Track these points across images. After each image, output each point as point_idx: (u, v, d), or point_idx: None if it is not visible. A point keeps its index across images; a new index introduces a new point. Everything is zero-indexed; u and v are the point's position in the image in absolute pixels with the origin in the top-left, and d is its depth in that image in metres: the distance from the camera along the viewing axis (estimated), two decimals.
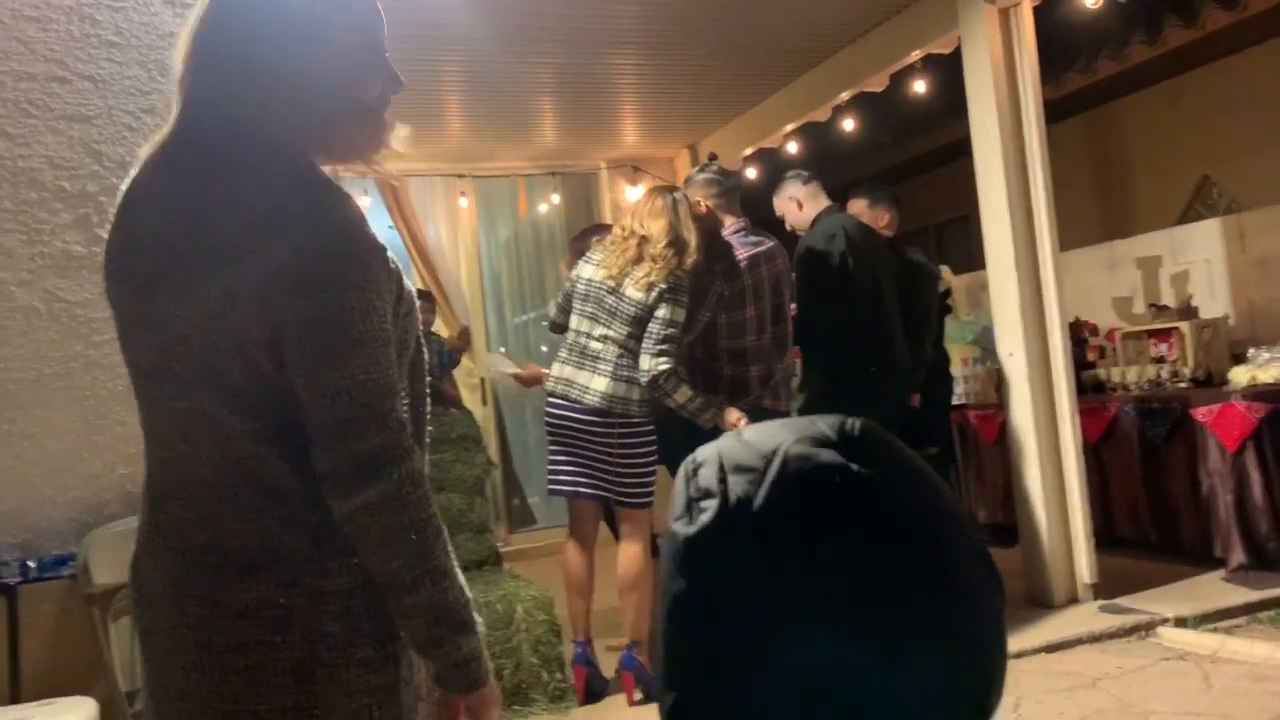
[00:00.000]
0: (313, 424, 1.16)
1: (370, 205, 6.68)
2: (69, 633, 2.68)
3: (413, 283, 4.87)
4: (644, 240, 3.52)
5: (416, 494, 1.18)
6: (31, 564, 2.69)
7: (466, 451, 4.39)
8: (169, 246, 1.19)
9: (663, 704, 0.61)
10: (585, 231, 4.55)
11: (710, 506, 0.60)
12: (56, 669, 2.64)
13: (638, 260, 3.54)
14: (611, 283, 3.56)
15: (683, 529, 0.61)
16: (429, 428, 1.39)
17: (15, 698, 2.57)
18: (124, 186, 1.27)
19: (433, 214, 6.96)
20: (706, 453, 0.64)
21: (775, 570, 0.58)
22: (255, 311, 1.14)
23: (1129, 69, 6.70)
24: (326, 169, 1.27)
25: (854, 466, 0.59)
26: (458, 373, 6.48)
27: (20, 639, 2.62)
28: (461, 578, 1.23)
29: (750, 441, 0.62)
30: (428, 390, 1.39)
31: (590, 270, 3.65)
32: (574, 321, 3.67)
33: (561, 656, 3.74)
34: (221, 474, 1.21)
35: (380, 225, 7.00)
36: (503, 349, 4.47)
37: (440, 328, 6.51)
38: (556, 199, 7.16)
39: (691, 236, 3.56)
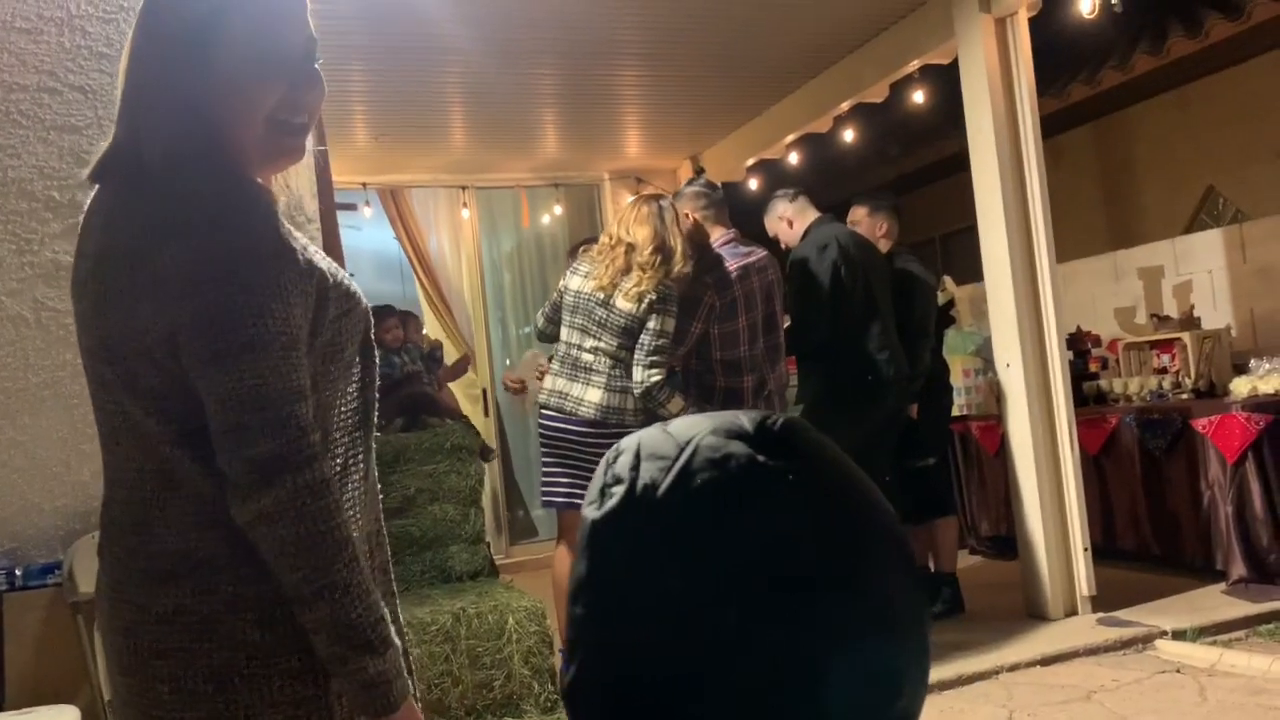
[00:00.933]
0: (211, 428, 1.15)
1: (372, 215, 6.72)
2: (54, 641, 2.68)
3: (414, 292, 4.85)
4: (630, 248, 3.52)
5: (316, 504, 1.13)
6: (18, 572, 2.70)
7: (461, 462, 4.39)
8: (92, 255, 1.22)
9: (562, 679, 0.63)
10: (586, 243, 4.55)
11: (618, 492, 0.61)
12: (41, 677, 2.64)
13: (626, 270, 3.53)
14: (601, 294, 3.55)
15: (592, 513, 0.62)
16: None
17: None
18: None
19: (435, 225, 6.99)
20: (628, 441, 0.65)
21: (674, 556, 0.58)
22: (153, 314, 1.15)
23: (1133, 79, 6.67)
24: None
25: (761, 458, 0.60)
26: (459, 383, 6.48)
27: (5, 647, 2.63)
28: (374, 595, 1.18)
29: (672, 432, 0.63)
30: (377, 398, 1.38)
31: (578, 281, 3.64)
32: (564, 333, 3.67)
33: (553, 668, 3.73)
34: (145, 477, 1.21)
35: (383, 236, 7.04)
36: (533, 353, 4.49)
37: (447, 346, 6.51)
38: (559, 210, 7.17)
39: (678, 244, 3.55)
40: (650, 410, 3.53)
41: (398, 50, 4.58)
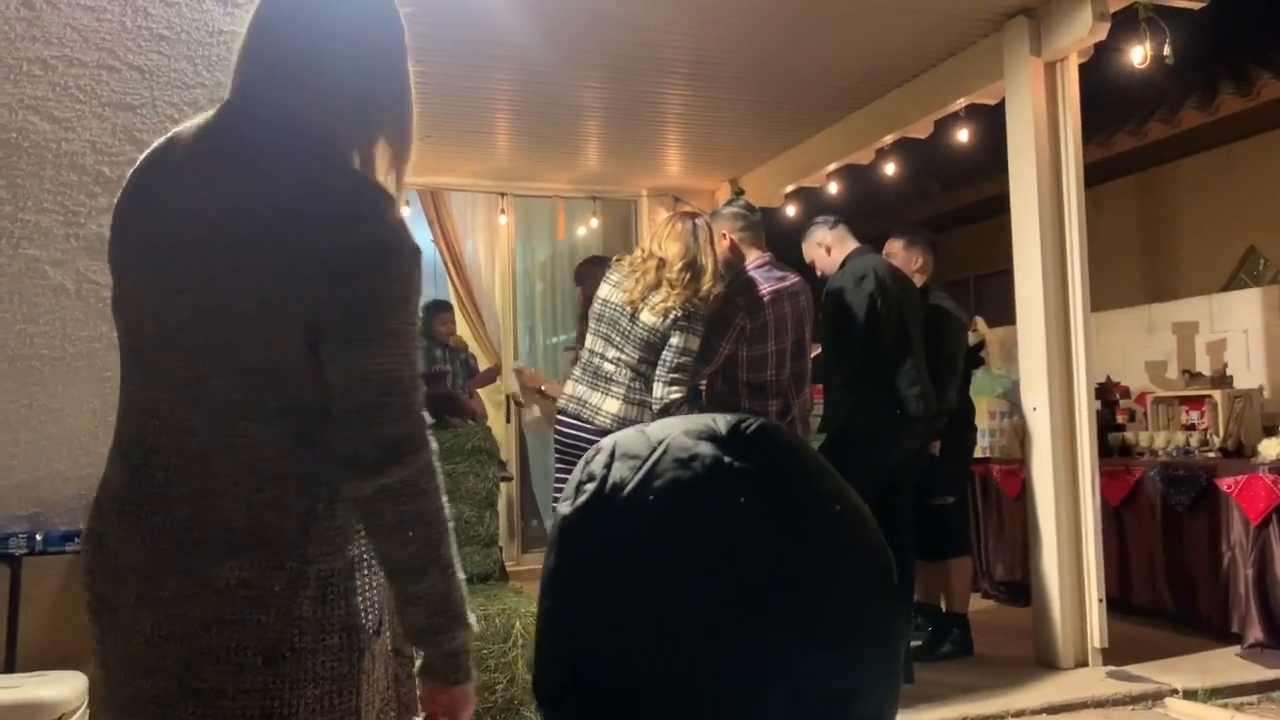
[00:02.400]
0: (342, 407, 1.21)
1: (411, 215, 6.78)
2: (68, 608, 2.71)
3: (446, 294, 4.91)
4: (661, 263, 3.53)
5: (431, 484, 1.23)
6: (38, 537, 2.73)
7: (480, 464, 4.40)
8: (203, 221, 1.23)
9: (534, 673, 0.64)
10: (592, 261, 4.57)
11: (590, 489, 0.63)
12: (53, 643, 2.66)
13: (655, 285, 3.54)
14: (629, 306, 3.56)
15: (564, 509, 0.64)
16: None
17: (10, 667, 2.61)
18: (146, 156, 1.33)
19: (472, 229, 7.04)
20: (606, 440, 0.66)
21: (634, 555, 0.59)
22: (297, 294, 1.19)
23: (1180, 133, 6.65)
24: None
25: (727, 459, 0.60)
26: (486, 389, 6.52)
27: (20, 610, 2.66)
28: (461, 574, 1.29)
29: (647, 432, 0.65)
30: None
31: (608, 290, 3.65)
32: (589, 341, 3.68)
33: None
34: (214, 448, 1.23)
35: (420, 236, 7.10)
36: (517, 363, 4.51)
37: (474, 348, 6.55)
38: (595, 223, 7.21)
39: (709, 263, 3.56)
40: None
41: (449, 53, 4.63)
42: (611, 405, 3.51)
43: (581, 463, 0.65)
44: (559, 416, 3.64)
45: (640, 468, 0.61)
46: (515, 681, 3.66)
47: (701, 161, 6.75)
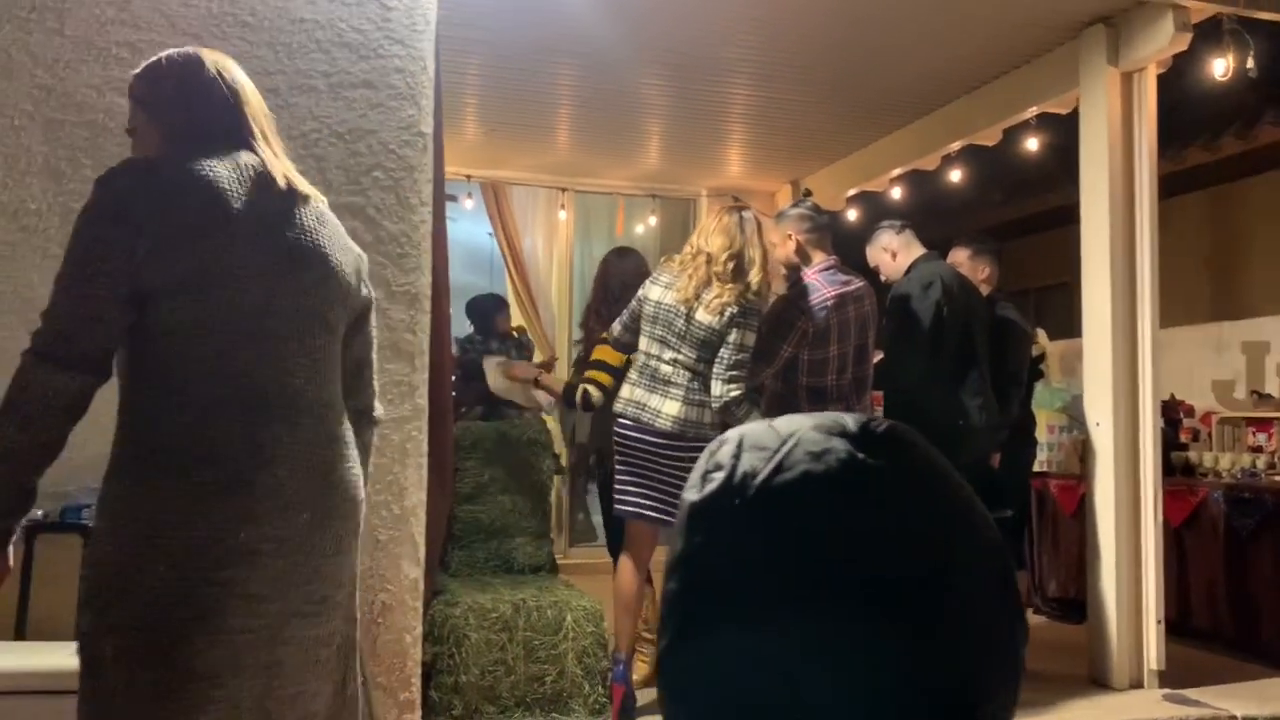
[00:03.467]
0: (362, 375, 1.99)
1: (472, 207, 6.84)
2: None
3: (503, 287, 4.95)
4: (709, 259, 3.52)
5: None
6: None
7: (535, 456, 4.44)
8: (302, 235, 1.83)
9: (657, 651, 0.64)
10: (620, 252, 4.56)
11: (718, 478, 0.63)
12: None
13: (706, 282, 3.53)
14: (682, 306, 3.55)
15: (691, 496, 0.65)
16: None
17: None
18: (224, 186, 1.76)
19: (531, 224, 7.08)
20: (731, 433, 0.67)
21: (766, 542, 0.60)
22: (358, 296, 1.93)
23: (1255, 149, 6.51)
24: None
25: (861, 455, 0.61)
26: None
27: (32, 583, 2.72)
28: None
29: (776, 426, 0.65)
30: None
31: (659, 292, 3.64)
32: (643, 344, 3.66)
33: (605, 670, 3.73)
34: (324, 401, 1.81)
35: (473, 229, 7.17)
36: (499, 360, 4.57)
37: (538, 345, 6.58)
38: (654, 221, 7.21)
39: (758, 255, 3.54)
40: (727, 424, 3.53)
41: (513, 46, 4.64)
42: (671, 407, 3.50)
43: (706, 453, 0.66)
44: (619, 419, 3.63)
45: (771, 458, 0.61)
46: (565, 674, 3.68)
47: (763, 162, 6.72)
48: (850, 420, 0.63)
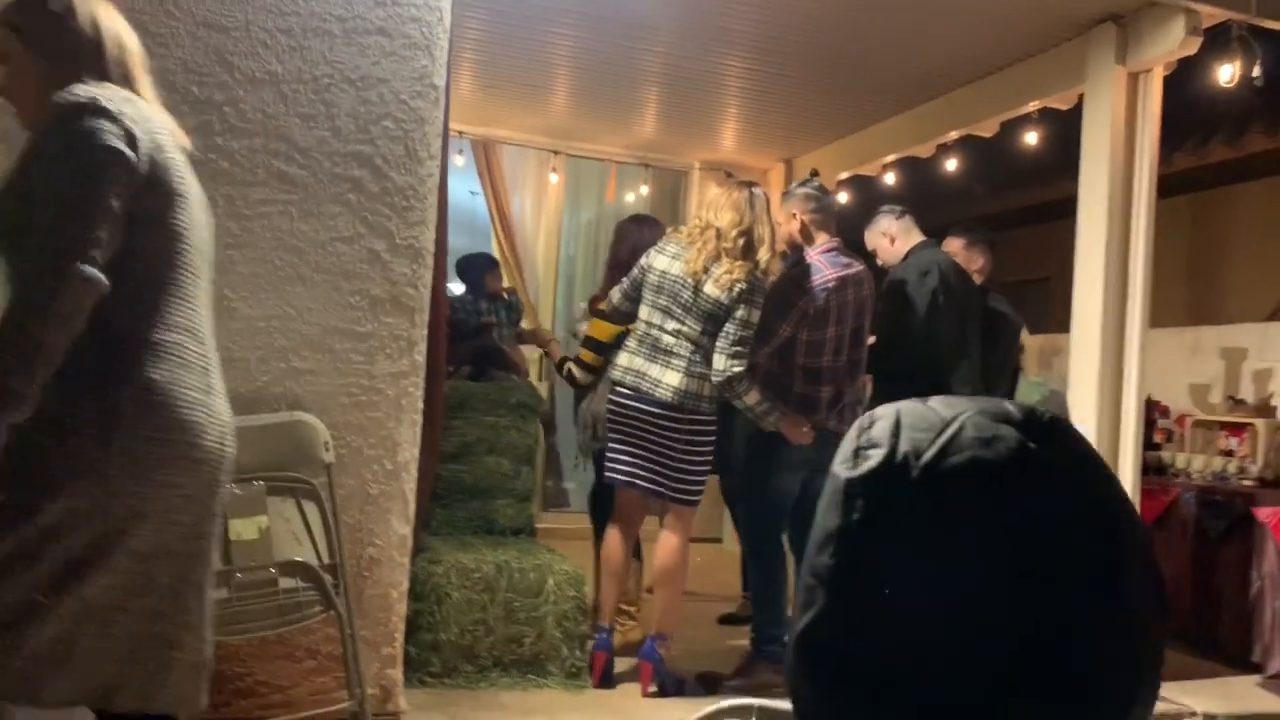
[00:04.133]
0: None
1: (463, 165, 6.77)
2: None
3: (489, 246, 4.90)
4: (719, 233, 3.51)
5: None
6: None
7: (522, 419, 4.42)
8: None
9: (794, 626, 0.64)
10: (638, 219, 4.53)
11: (876, 455, 0.62)
12: None
13: (716, 256, 3.52)
14: (691, 279, 3.54)
15: (845, 472, 0.64)
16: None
17: None
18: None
19: (521, 184, 7.02)
20: (883, 410, 0.66)
21: (934, 523, 0.60)
22: None
23: (1243, 157, 6.58)
24: None
25: (1031, 445, 0.60)
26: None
27: None
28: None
29: (933, 407, 0.65)
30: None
31: (665, 262, 3.62)
32: (645, 313, 3.65)
33: (584, 635, 3.75)
34: None
35: (459, 187, 7.10)
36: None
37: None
38: (645, 190, 7.17)
39: (766, 233, 3.55)
40: (725, 400, 3.54)
41: (517, 5, 4.57)
42: (672, 378, 3.50)
43: (855, 430, 0.65)
44: (615, 388, 3.63)
45: (935, 440, 0.60)
46: (544, 637, 3.69)
47: (757, 138, 6.70)
48: (1014, 407, 0.63)
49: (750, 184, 3.73)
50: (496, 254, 6.89)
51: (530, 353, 6.74)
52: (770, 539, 3.79)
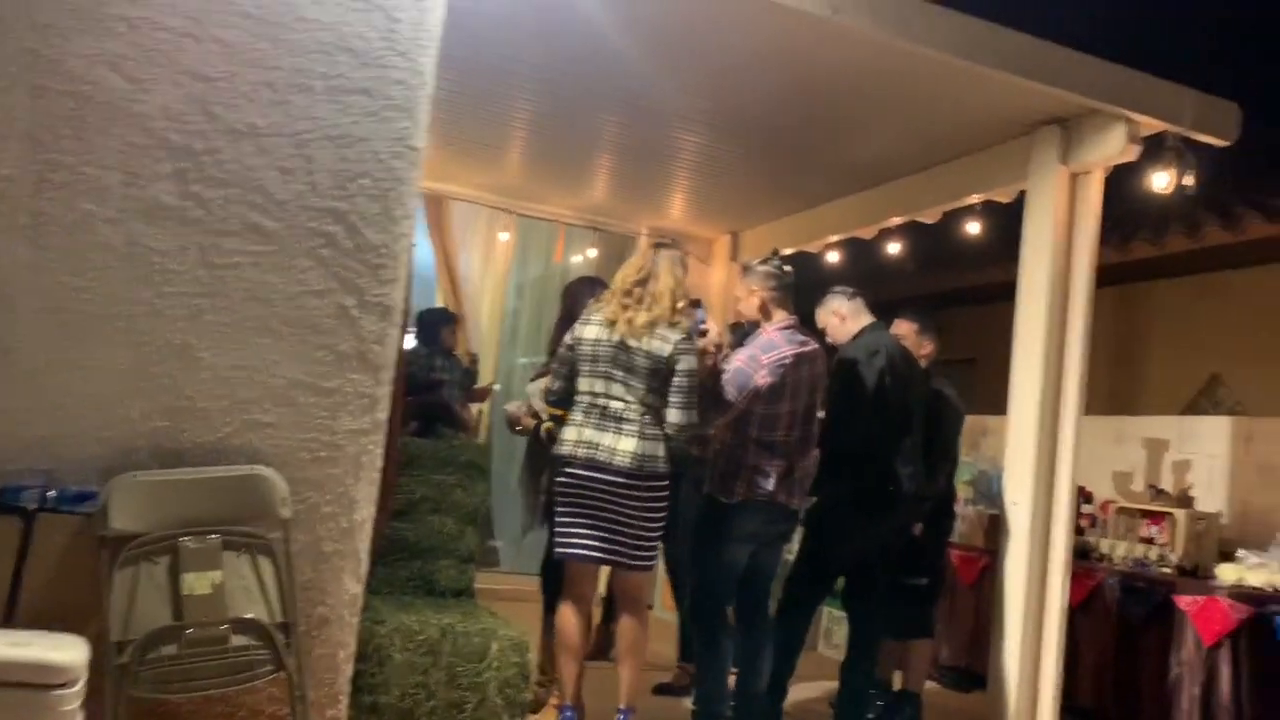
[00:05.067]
0: None
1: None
2: (74, 570, 2.66)
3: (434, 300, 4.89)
4: (644, 294, 3.59)
5: None
6: (52, 494, 2.68)
7: (470, 479, 4.39)
8: None
9: None
10: (581, 283, 4.60)
11: None
12: (54, 603, 2.61)
13: (645, 315, 3.59)
14: (627, 340, 3.60)
15: None
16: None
17: (9, 622, 2.54)
18: None
19: (470, 240, 7.05)
20: None
21: None
22: None
23: (1164, 256, 6.91)
24: None
25: None
26: None
27: (26, 566, 2.60)
28: None
29: None
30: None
31: (595, 331, 3.67)
32: (585, 384, 3.67)
33: (526, 703, 3.71)
34: None
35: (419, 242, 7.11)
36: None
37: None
38: (593, 253, 7.26)
39: (669, 286, 3.65)
40: (681, 453, 3.60)
41: (474, 63, 4.58)
42: (628, 444, 3.53)
43: None
44: (567, 463, 3.61)
45: None
46: (485, 704, 3.63)
47: (705, 211, 6.84)
48: None
49: (669, 244, 3.82)
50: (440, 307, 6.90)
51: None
52: (717, 610, 3.82)
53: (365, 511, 3.13)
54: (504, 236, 7.01)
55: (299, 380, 3.02)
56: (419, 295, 7.09)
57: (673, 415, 3.54)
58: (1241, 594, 4.42)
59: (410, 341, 5.09)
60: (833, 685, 4.39)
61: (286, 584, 2.82)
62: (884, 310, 4.70)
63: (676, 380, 3.55)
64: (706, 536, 3.80)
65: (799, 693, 4.56)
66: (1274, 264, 6.65)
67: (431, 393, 4.72)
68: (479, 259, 7.09)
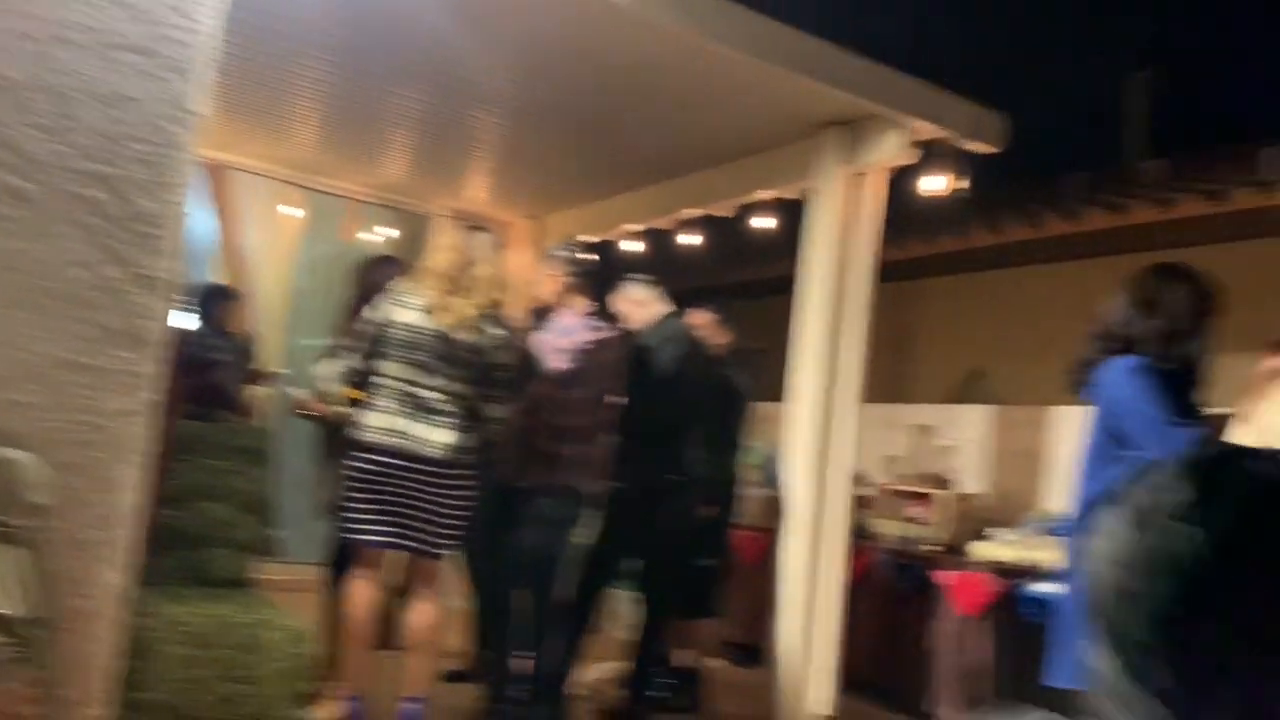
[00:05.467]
0: None
1: (195, 190, 6.39)
2: None
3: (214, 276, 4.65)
4: (449, 278, 3.56)
5: None
6: None
7: (248, 464, 4.20)
8: None
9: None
10: (378, 262, 4.50)
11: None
12: None
13: (467, 304, 3.55)
14: (444, 329, 3.54)
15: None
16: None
17: None
18: None
19: (256, 214, 6.72)
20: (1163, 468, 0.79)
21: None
22: None
23: (935, 255, 7.39)
24: None
25: None
26: None
27: None
28: None
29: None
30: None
31: (412, 316, 3.59)
32: (395, 369, 3.57)
33: (305, 695, 3.59)
34: None
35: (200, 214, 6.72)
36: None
37: None
38: (387, 231, 7.06)
39: (488, 273, 3.64)
40: (488, 446, 3.57)
41: (260, 30, 4.40)
42: (442, 435, 3.45)
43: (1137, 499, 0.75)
44: (369, 448, 3.50)
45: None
46: (262, 697, 3.49)
47: (505, 194, 6.78)
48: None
49: (476, 227, 3.79)
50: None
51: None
52: (508, 595, 3.81)
53: (131, 498, 2.93)
54: (292, 211, 6.72)
55: (60, 358, 2.79)
56: (200, 271, 6.72)
57: (494, 410, 3.51)
58: (995, 569, 4.79)
59: (192, 320, 4.82)
60: (620, 665, 4.46)
61: (37, 576, 2.61)
62: (683, 300, 4.81)
63: (497, 374, 3.51)
64: (499, 521, 3.78)
65: (589, 674, 4.62)
66: (1032, 266, 7.22)
67: (206, 373, 4.47)
68: (264, 234, 6.77)
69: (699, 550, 4.53)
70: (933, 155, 4.72)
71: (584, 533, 4.38)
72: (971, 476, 6.19)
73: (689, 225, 6.41)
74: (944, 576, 4.88)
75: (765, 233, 6.21)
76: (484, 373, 3.52)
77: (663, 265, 8.32)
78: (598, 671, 4.89)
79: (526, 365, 3.70)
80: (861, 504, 5.97)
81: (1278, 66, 9.07)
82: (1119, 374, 2.71)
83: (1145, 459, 2.74)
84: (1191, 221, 5.97)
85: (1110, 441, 2.69)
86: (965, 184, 4.62)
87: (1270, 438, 2.20)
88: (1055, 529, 4.76)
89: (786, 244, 5.20)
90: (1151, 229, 6.12)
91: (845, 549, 4.57)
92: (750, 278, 8.70)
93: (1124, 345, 2.78)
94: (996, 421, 6.27)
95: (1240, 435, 2.29)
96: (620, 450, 4.19)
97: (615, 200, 6.38)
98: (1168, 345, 2.71)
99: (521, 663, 3.88)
